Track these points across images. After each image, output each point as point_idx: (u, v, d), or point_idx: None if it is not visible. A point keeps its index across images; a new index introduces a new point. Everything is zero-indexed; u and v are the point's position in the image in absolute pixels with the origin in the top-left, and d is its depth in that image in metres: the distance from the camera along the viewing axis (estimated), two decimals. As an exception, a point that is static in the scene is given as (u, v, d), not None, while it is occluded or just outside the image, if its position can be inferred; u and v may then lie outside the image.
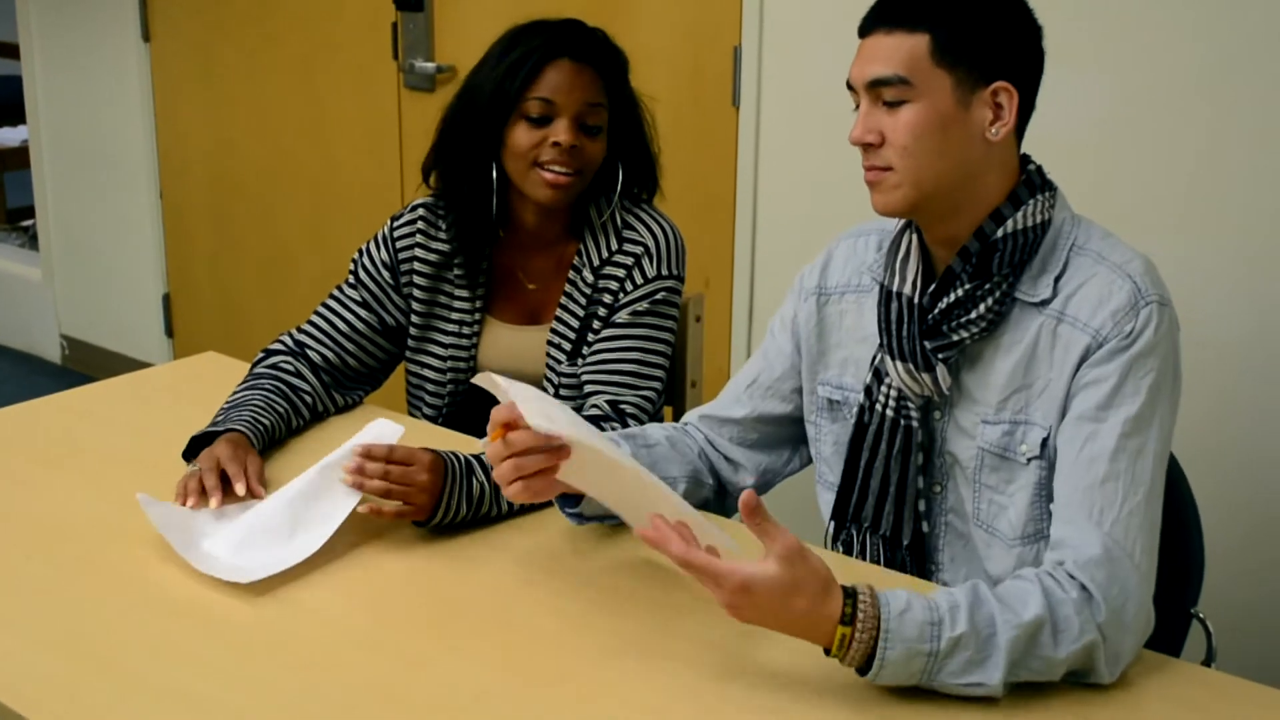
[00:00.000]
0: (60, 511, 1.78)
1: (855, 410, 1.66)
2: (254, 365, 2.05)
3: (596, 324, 2.01)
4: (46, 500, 1.82)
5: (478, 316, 2.08)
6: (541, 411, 1.45)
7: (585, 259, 2.02)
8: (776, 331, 1.78)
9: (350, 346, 2.07)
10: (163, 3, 4.10)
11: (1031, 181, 1.55)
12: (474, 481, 1.69)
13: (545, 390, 2.04)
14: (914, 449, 1.61)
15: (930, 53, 1.47)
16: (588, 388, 1.98)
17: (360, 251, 2.10)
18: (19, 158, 5.42)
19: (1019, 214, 1.52)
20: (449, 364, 2.09)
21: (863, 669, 1.34)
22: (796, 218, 2.92)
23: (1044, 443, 1.51)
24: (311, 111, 3.82)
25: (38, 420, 2.10)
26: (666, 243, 2.01)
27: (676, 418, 2.02)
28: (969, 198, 1.53)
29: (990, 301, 1.52)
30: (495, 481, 1.51)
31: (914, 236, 1.59)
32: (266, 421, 1.90)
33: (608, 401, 1.94)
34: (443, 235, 2.06)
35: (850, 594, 1.33)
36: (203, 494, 1.73)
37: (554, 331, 2.04)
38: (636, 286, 1.99)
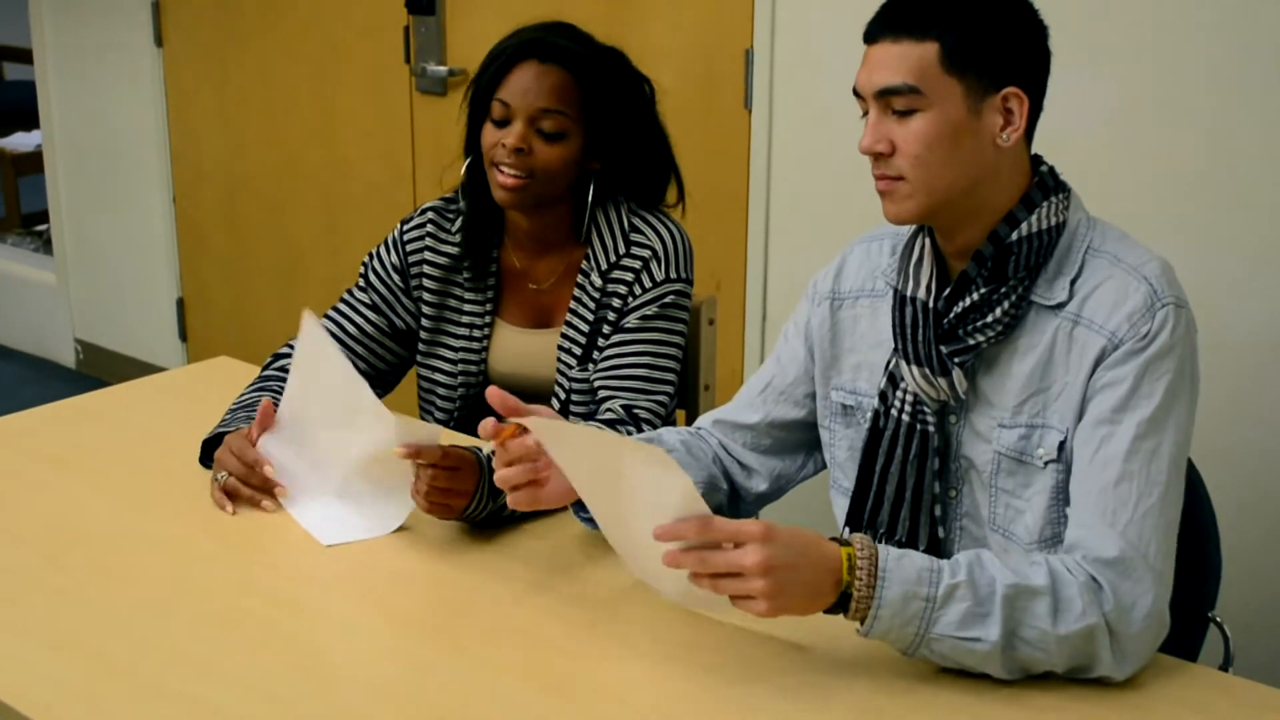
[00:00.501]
0: (73, 515, 1.79)
1: (869, 415, 1.66)
2: (264, 368, 2.05)
3: (606, 328, 2.01)
4: (59, 504, 1.82)
5: (487, 320, 2.08)
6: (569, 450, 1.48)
7: (593, 263, 2.02)
8: (790, 336, 1.77)
9: (360, 350, 2.07)
10: (175, 8, 4.11)
11: (1045, 183, 1.54)
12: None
13: (557, 395, 2.04)
14: (930, 454, 1.60)
15: (940, 61, 1.46)
16: (600, 393, 1.98)
17: (370, 255, 2.10)
18: (33, 163, 5.44)
19: (1033, 217, 1.51)
20: (459, 367, 2.09)
21: (860, 620, 1.36)
22: (809, 221, 2.91)
23: (1061, 446, 1.51)
24: (324, 115, 3.83)
25: (52, 424, 2.11)
26: (674, 246, 2.01)
27: (690, 421, 2.02)
28: (982, 203, 1.52)
29: (1006, 305, 1.51)
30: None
31: (927, 240, 1.59)
32: None
33: (622, 406, 1.94)
34: (452, 238, 2.06)
35: (844, 542, 1.37)
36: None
37: (564, 336, 2.04)
38: (645, 290, 1.99)
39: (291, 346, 2.06)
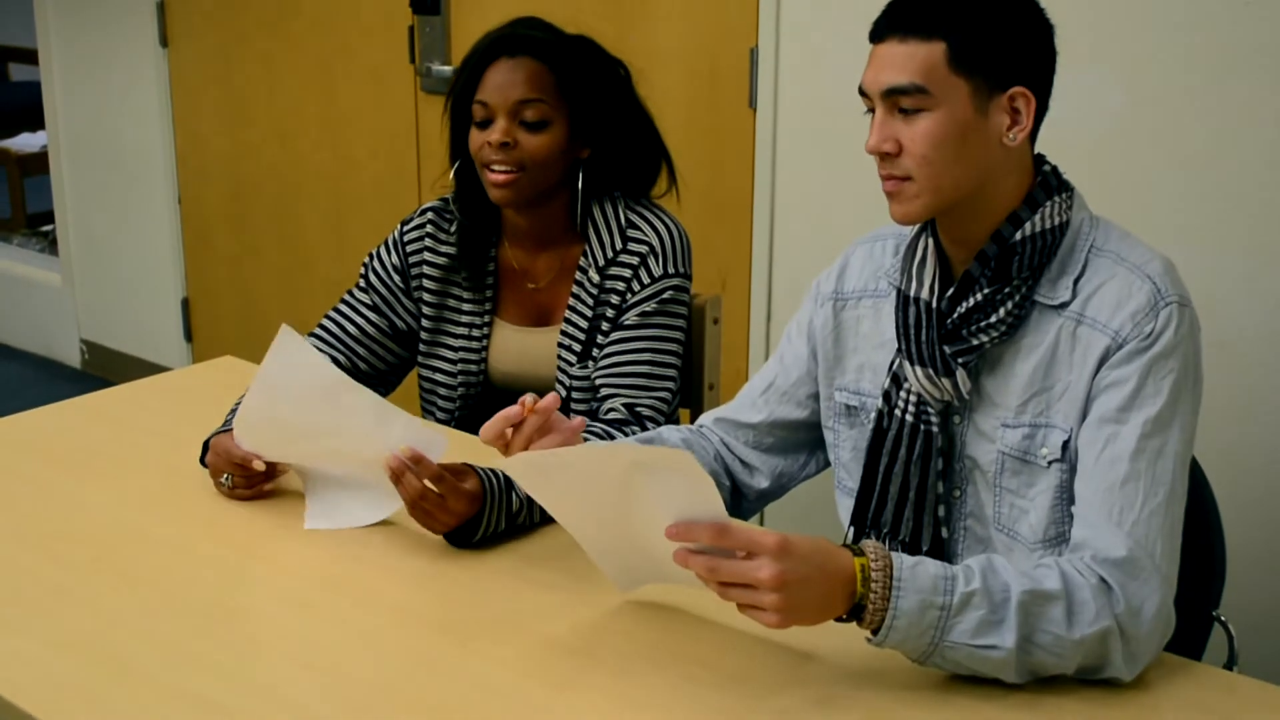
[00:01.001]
0: (78, 514, 1.79)
1: (873, 416, 1.66)
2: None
3: (605, 325, 2.01)
4: (65, 504, 1.82)
5: (486, 319, 2.08)
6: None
7: (590, 259, 2.02)
8: (793, 336, 1.77)
9: (361, 350, 2.08)
10: (181, 8, 4.11)
11: (1048, 183, 1.54)
12: (514, 497, 1.70)
13: (558, 393, 2.04)
14: (934, 454, 1.60)
15: (947, 60, 1.46)
16: (602, 391, 1.98)
17: (371, 255, 2.11)
18: (39, 163, 5.44)
19: (1036, 216, 1.51)
20: (459, 367, 2.09)
21: (874, 630, 1.34)
22: (814, 220, 2.91)
23: (1065, 445, 1.51)
24: (329, 115, 3.83)
25: (57, 424, 2.11)
26: (671, 241, 2.01)
27: (694, 420, 2.02)
28: (986, 202, 1.52)
29: (1010, 305, 1.51)
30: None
31: (930, 240, 1.59)
32: None
33: (624, 404, 1.94)
34: (451, 238, 2.06)
35: (857, 551, 1.35)
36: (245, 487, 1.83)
37: (563, 334, 2.04)
38: (644, 286, 1.99)
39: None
